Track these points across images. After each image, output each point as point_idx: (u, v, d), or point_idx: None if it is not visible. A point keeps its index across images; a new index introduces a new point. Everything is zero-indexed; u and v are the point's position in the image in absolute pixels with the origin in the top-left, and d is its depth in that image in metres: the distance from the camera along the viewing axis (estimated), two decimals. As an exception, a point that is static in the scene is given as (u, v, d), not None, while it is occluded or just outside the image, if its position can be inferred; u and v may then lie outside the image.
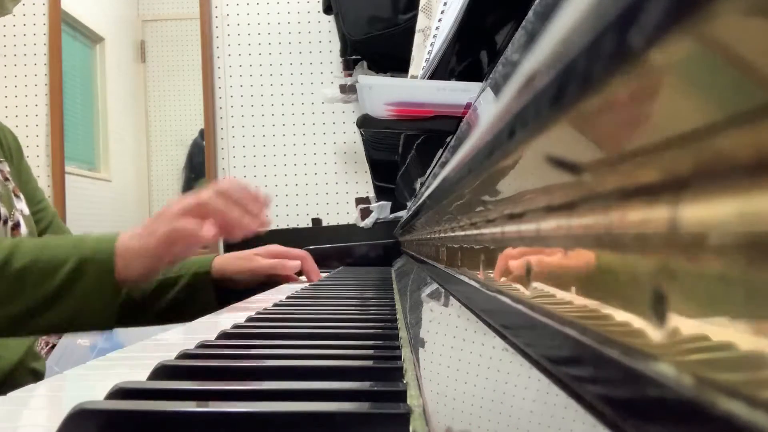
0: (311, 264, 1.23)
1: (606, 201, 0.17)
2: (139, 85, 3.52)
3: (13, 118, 2.46)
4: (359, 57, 2.19)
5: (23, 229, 1.05)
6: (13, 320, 0.81)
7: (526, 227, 0.27)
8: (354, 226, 2.18)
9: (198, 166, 2.59)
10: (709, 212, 0.12)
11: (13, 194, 1.07)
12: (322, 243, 2.01)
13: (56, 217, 1.21)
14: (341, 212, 2.46)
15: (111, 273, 0.83)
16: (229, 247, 1.52)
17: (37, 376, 1.04)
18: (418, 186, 1.02)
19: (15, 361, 0.99)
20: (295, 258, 1.19)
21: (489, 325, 0.36)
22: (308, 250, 1.29)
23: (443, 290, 0.61)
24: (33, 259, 0.81)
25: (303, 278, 1.22)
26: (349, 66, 2.22)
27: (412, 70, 0.96)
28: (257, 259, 1.12)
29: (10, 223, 1.02)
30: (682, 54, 0.12)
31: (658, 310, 0.14)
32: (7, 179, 1.08)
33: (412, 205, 1.15)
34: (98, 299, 0.83)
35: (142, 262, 0.85)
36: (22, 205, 1.08)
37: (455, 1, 0.63)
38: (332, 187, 2.48)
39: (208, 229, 0.85)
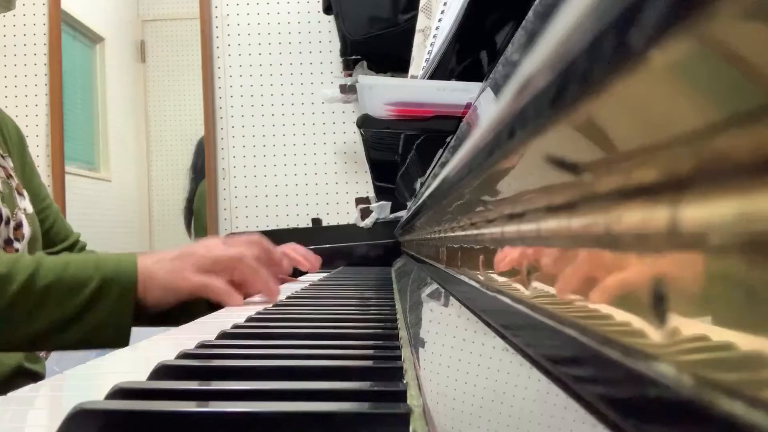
0: (299, 253, 1.22)
1: (606, 201, 0.17)
2: (139, 85, 3.52)
3: (13, 118, 2.45)
4: (359, 57, 2.19)
5: (26, 229, 1.03)
6: (34, 337, 0.82)
7: (526, 227, 0.27)
8: (354, 226, 2.18)
9: (203, 167, 2.59)
10: (709, 212, 0.12)
11: (16, 192, 1.05)
12: (322, 243, 2.01)
13: (59, 215, 1.20)
14: (341, 212, 2.46)
15: (132, 294, 0.85)
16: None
17: (37, 378, 1.03)
18: (418, 186, 1.02)
19: (14, 365, 0.99)
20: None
21: (489, 325, 0.36)
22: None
23: (443, 290, 0.61)
24: (57, 277, 0.82)
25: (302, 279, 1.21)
26: (349, 66, 2.22)
27: (412, 70, 0.96)
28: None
29: (12, 223, 1.01)
30: (682, 54, 0.12)
31: (658, 310, 0.14)
32: (10, 176, 1.05)
33: (412, 205, 1.15)
34: (117, 319, 0.84)
35: (162, 293, 0.87)
36: (25, 204, 1.06)
37: (455, 1, 0.63)
38: (332, 187, 2.48)
39: (237, 299, 0.90)
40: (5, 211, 1.00)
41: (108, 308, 0.84)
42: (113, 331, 0.85)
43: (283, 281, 1.16)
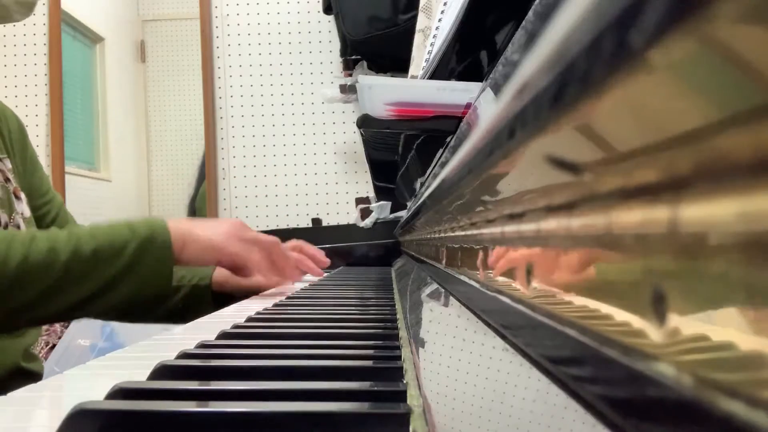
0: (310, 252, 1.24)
1: (606, 201, 0.17)
2: (139, 85, 3.52)
3: (13, 118, 2.45)
4: (359, 57, 2.18)
5: None
6: (88, 299, 0.87)
7: (526, 227, 0.27)
8: (354, 226, 2.18)
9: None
10: (709, 212, 0.12)
11: (13, 196, 1.05)
12: (322, 243, 2.01)
13: (63, 207, 1.19)
14: (341, 212, 2.46)
15: (170, 251, 0.90)
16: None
17: (35, 378, 1.03)
18: (418, 186, 1.02)
19: (11, 365, 0.99)
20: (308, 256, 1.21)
21: (489, 325, 0.36)
22: (308, 251, 1.29)
23: (443, 290, 0.61)
24: (97, 242, 0.87)
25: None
26: (349, 66, 2.22)
27: (412, 70, 0.96)
28: (255, 277, 1.09)
29: (10, 228, 1.01)
30: (682, 54, 0.12)
31: (658, 310, 0.14)
32: (8, 180, 1.05)
33: (412, 205, 1.15)
34: (157, 275, 0.90)
35: (201, 252, 0.93)
36: (22, 207, 1.06)
37: (455, 1, 0.63)
38: (332, 187, 2.48)
39: (274, 281, 1.02)
40: (3, 217, 1.00)
41: (149, 267, 0.89)
42: (155, 290, 0.90)
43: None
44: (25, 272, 0.83)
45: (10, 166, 1.08)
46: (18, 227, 1.03)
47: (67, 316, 0.96)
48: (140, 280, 0.89)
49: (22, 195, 1.08)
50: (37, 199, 1.11)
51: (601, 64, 0.15)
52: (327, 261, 1.28)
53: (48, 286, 0.84)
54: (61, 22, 2.59)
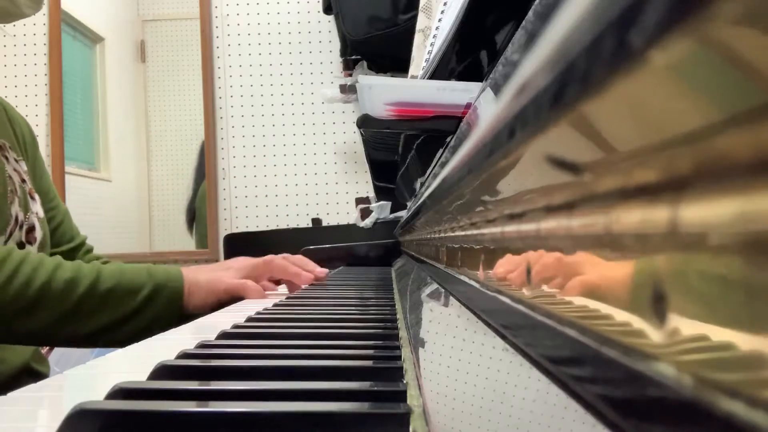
0: (304, 267, 1.23)
1: (606, 201, 0.17)
2: (139, 85, 3.52)
3: (13, 118, 2.46)
4: (359, 57, 2.18)
5: (38, 232, 1.05)
6: (94, 333, 0.92)
7: (526, 227, 0.27)
8: (354, 226, 2.18)
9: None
10: (709, 212, 0.12)
11: (29, 196, 1.06)
12: (322, 243, 2.01)
13: (68, 214, 1.20)
14: (341, 212, 2.46)
15: (180, 298, 0.97)
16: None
17: (42, 378, 1.04)
18: (418, 186, 1.02)
19: (19, 364, 0.99)
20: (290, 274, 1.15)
21: (489, 325, 0.36)
22: (308, 250, 1.29)
23: (443, 290, 0.61)
24: (116, 282, 0.93)
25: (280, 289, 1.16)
26: (349, 66, 2.22)
27: (412, 70, 0.96)
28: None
29: (25, 227, 1.02)
30: (682, 54, 0.12)
31: (658, 310, 0.14)
32: (23, 181, 1.07)
33: (412, 205, 1.15)
34: (165, 320, 0.94)
35: (204, 296, 0.99)
36: (37, 207, 1.08)
37: (455, 1, 0.63)
38: (332, 187, 2.48)
39: (269, 289, 1.06)
40: (21, 216, 1.01)
41: (158, 310, 0.95)
42: (159, 331, 0.90)
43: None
44: (45, 297, 0.87)
45: (25, 168, 1.09)
46: (33, 226, 1.05)
47: (75, 344, 1.00)
48: (148, 321, 0.94)
49: (37, 196, 1.09)
50: (45, 204, 1.12)
51: (601, 64, 0.15)
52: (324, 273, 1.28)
53: (61, 313, 0.89)
54: (61, 22, 2.59)
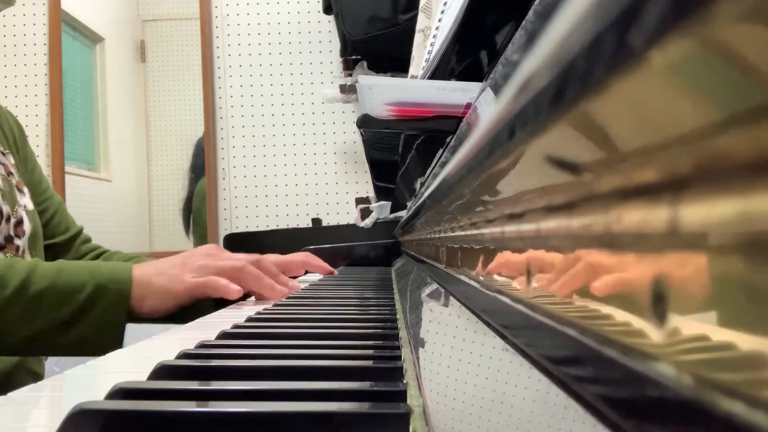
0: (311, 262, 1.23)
1: (606, 201, 0.17)
2: (139, 85, 3.52)
3: (13, 118, 2.45)
4: (359, 57, 2.18)
5: (26, 226, 1.04)
6: (27, 342, 0.82)
7: (526, 227, 0.27)
8: (354, 226, 2.18)
9: (202, 167, 2.60)
10: (709, 212, 0.12)
11: (16, 189, 1.05)
12: (322, 243, 2.01)
13: (62, 205, 1.19)
14: (341, 212, 2.46)
15: (126, 301, 0.85)
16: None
17: (37, 377, 1.04)
18: (418, 186, 1.02)
19: (14, 362, 0.99)
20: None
21: (489, 325, 0.36)
22: (308, 250, 1.29)
23: (443, 290, 0.61)
24: (51, 282, 0.82)
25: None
26: (349, 66, 2.22)
27: (412, 70, 0.96)
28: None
29: (12, 220, 1.01)
30: (682, 54, 0.12)
31: (658, 310, 0.14)
32: (10, 173, 1.06)
33: (412, 205, 1.15)
34: (111, 325, 0.84)
35: (160, 300, 0.87)
36: (26, 200, 1.07)
37: (455, 1, 0.63)
38: (332, 187, 2.48)
39: (237, 291, 0.89)
40: (5, 209, 1.00)
41: (102, 315, 0.83)
42: (106, 338, 0.84)
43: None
44: None
45: (12, 161, 1.09)
46: (21, 220, 1.03)
47: (12, 352, 0.89)
48: (94, 327, 0.83)
49: (26, 189, 1.08)
50: (37, 197, 1.12)
51: (601, 64, 0.15)
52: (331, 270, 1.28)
53: None
54: (61, 22, 2.59)
